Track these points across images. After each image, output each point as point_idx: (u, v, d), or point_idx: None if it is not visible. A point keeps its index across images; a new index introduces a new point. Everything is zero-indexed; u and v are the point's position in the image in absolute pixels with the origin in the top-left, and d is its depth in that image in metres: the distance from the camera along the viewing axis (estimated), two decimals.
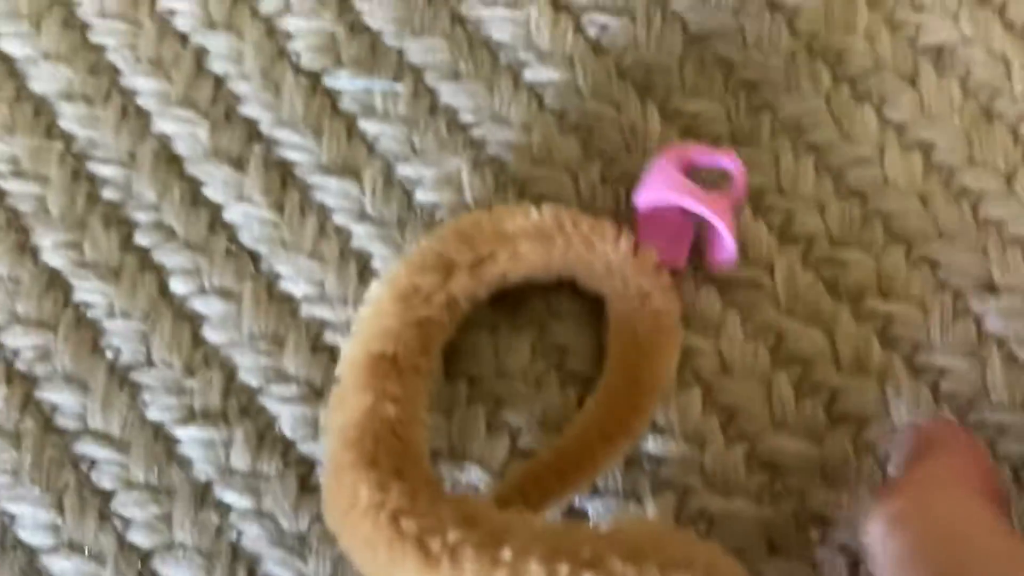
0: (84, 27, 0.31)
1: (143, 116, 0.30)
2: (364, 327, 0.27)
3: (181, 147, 0.30)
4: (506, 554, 0.23)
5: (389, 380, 0.26)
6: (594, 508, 0.27)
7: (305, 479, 0.27)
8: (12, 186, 0.30)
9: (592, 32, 0.30)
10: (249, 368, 0.28)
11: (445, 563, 0.23)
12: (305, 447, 0.28)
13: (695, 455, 0.27)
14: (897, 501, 0.21)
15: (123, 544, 0.27)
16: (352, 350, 0.27)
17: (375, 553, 0.24)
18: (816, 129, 0.29)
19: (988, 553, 0.19)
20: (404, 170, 0.29)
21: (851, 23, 0.30)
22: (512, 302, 0.28)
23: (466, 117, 0.30)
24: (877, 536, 0.21)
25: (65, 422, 0.28)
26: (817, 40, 0.30)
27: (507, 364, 0.28)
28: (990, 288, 0.28)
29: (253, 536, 0.27)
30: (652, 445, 0.27)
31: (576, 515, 0.27)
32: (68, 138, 0.30)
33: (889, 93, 0.29)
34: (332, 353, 0.28)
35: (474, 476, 0.27)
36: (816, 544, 0.26)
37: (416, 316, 0.26)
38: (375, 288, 0.27)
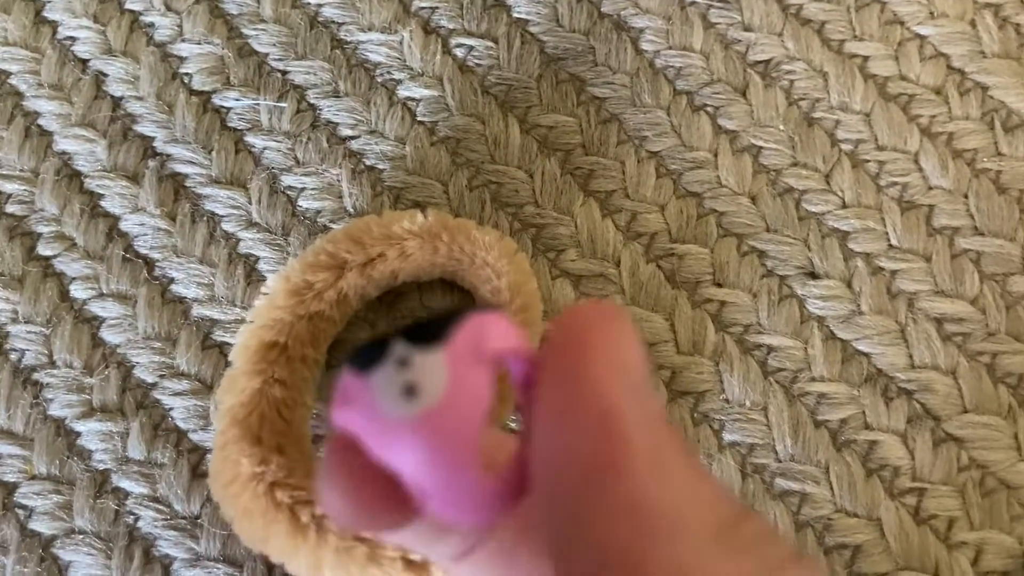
0: None
1: (46, 136, 0.33)
2: (258, 317, 0.28)
3: (81, 164, 0.32)
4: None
5: (278, 366, 0.28)
6: None
7: (196, 466, 0.30)
8: None
9: (459, 53, 0.33)
10: (144, 365, 0.30)
11: (312, 532, 0.25)
12: (196, 436, 0.30)
13: None
14: None
15: (25, 531, 0.29)
16: (245, 337, 0.29)
17: (252, 521, 0.26)
18: (658, 137, 0.32)
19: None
20: (287, 180, 0.32)
21: (689, 43, 0.33)
22: (389, 299, 0.31)
23: (345, 131, 0.32)
24: None
25: None
26: (659, 58, 0.33)
27: None
28: (811, 274, 0.31)
29: (149, 520, 0.29)
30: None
31: None
32: None
33: (722, 104, 0.32)
34: (221, 350, 0.30)
35: None
36: None
37: (307, 310, 0.28)
38: (271, 282, 0.29)
